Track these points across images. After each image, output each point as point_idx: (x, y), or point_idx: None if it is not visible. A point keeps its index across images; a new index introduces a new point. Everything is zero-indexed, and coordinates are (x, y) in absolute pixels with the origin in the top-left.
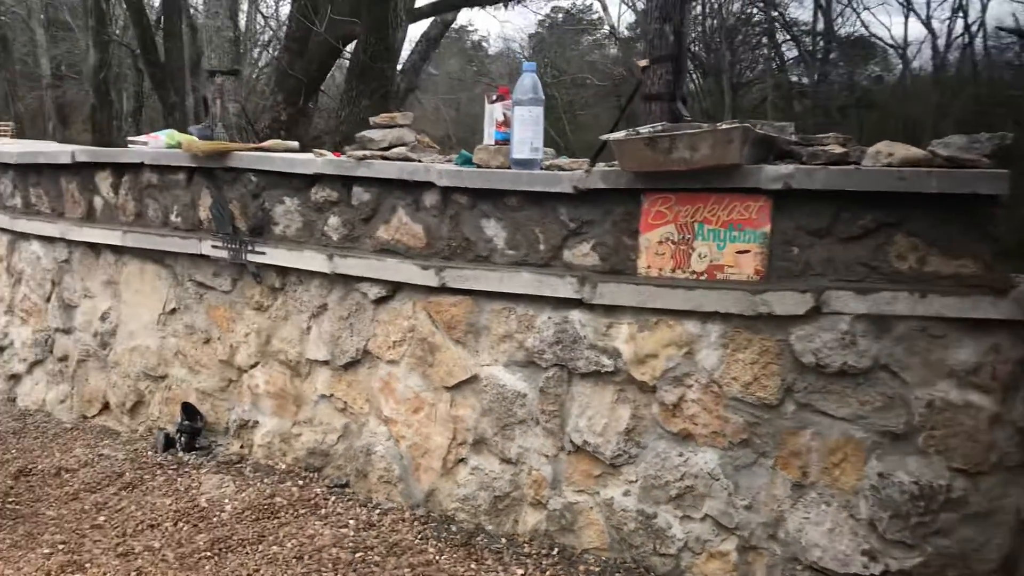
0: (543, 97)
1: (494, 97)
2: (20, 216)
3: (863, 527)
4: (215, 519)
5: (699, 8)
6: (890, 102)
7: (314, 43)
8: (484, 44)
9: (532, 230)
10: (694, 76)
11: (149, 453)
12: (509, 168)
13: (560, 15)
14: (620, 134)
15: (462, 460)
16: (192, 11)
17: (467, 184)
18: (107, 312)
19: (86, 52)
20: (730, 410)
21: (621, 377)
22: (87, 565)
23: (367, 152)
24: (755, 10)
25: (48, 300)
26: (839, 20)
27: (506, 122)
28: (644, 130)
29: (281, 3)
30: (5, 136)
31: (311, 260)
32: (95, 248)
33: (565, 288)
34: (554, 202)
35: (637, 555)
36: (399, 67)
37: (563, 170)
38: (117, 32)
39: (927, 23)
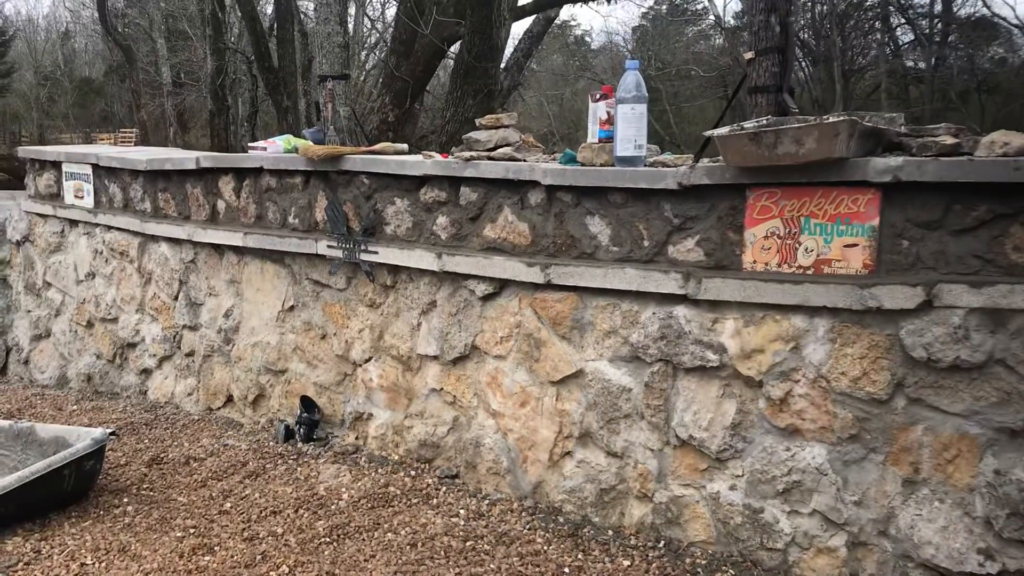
0: (647, 95)
1: (598, 96)
2: (149, 219)
3: (979, 525)
4: (333, 507)
5: None
6: (1015, 86)
7: (419, 45)
8: (587, 39)
9: (636, 226)
10: (803, 65)
11: (270, 443)
12: (613, 166)
13: (664, 6)
14: (724, 130)
15: (568, 453)
16: (303, 17)
17: (571, 182)
18: (230, 309)
19: (204, 60)
20: (838, 405)
21: (727, 372)
22: (216, 548)
23: (473, 153)
24: None
25: (176, 298)
26: (958, 0)
27: (609, 120)
28: (749, 125)
29: (387, 6)
30: (129, 143)
31: (421, 259)
32: (219, 249)
33: (669, 284)
34: (658, 198)
35: (744, 549)
36: (502, 65)
37: (667, 167)
38: (233, 40)
39: None
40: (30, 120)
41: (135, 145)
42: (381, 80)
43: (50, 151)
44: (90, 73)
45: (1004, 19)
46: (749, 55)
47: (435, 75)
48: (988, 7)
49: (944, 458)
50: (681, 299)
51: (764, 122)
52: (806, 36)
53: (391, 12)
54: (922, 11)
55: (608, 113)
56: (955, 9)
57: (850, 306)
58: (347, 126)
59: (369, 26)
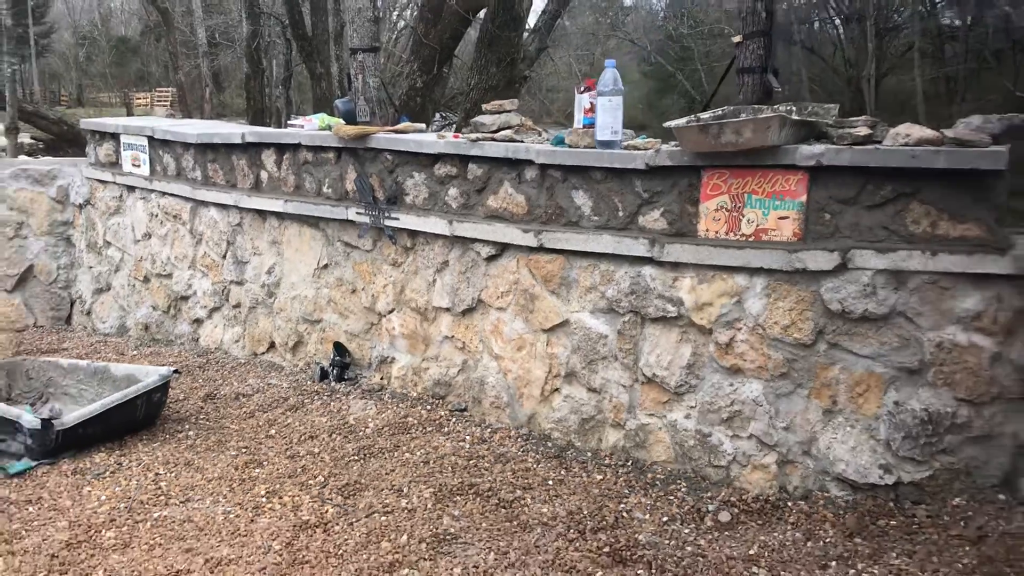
0: (622, 88)
1: (582, 88)
2: (200, 187)
3: (881, 446)
4: (360, 433)
5: None
6: None
7: (447, 13)
8: None
9: (613, 199)
10: (834, 23)
11: (307, 383)
12: (594, 148)
13: None
14: (681, 121)
15: (556, 390)
16: None
17: (560, 161)
18: (272, 267)
19: (239, 22)
20: (772, 348)
21: (684, 321)
22: (264, 462)
23: (479, 135)
24: None
25: (224, 257)
26: None
27: (592, 109)
28: (705, 115)
29: None
30: (165, 103)
31: (435, 224)
32: (262, 214)
33: (639, 248)
34: (631, 176)
35: (695, 466)
36: (531, 26)
37: (638, 150)
38: (267, 3)
39: None
40: (69, 80)
41: (172, 104)
42: (410, 47)
43: (110, 123)
44: (126, 32)
45: None
46: (737, 39)
47: (463, 39)
48: None
49: (856, 392)
50: (648, 261)
51: (720, 113)
52: None
53: None
54: None
55: (591, 103)
56: None
57: (782, 267)
58: (376, 96)
59: None
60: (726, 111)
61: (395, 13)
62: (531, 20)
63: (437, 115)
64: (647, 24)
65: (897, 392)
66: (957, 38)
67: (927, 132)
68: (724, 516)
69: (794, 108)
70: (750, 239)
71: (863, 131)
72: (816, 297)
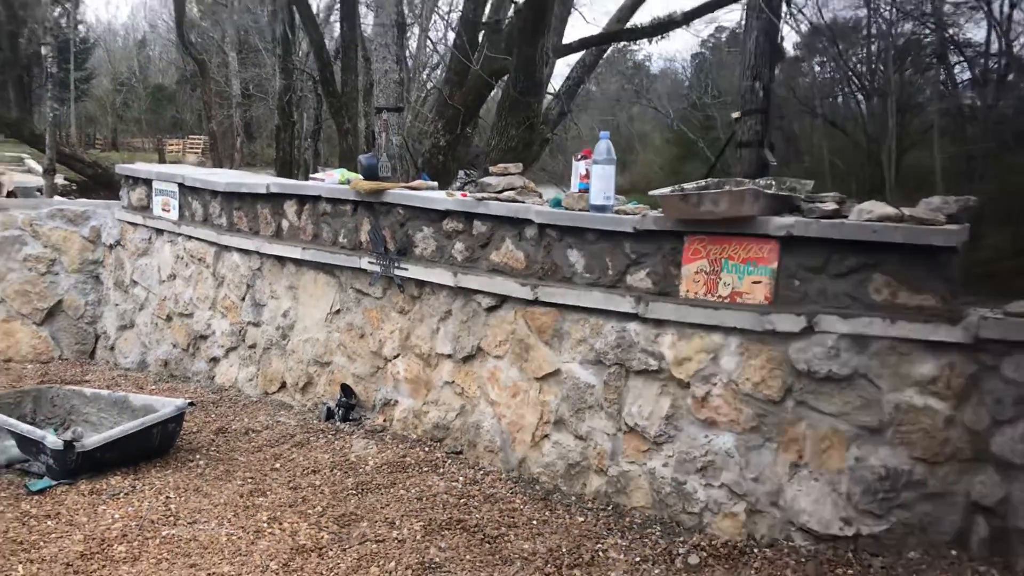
0: (615, 158)
1: (579, 156)
2: (225, 233)
3: (842, 499)
4: (360, 470)
5: (864, 31)
6: None
7: (471, 76)
8: (647, 63)
9: (604, 259)
10: (857, 100)
11: (314, 422)
12: (588, 211)
13: (723, 35)
14: (665, 190)
15: (546, 436)
16: (367, 43)
17: (557, 222)
18: (288, 310)
19: (273, 76)
20: (744, 403)
21: (664, 375)
22: (267, 492)
23: (485, 194)
24: (927, 31)
25: (243, 299)
26: (1018, 40)
27: (587, 175)
28: (689, 186)
29: (449, 30)
30: (197, 150)
31: (441, 276)
32: (281, 260)
33: (625, 304)
34: (620, 238)
35: (671, 512)
36: (555, 91)
37: (627, 214)
38: (300, 58)
39: None
40: (104, 124)
41: (203, 152)
42: (435, 107)
43: (143, 170)
44: (163, 80)
45: None
46: (736, 115)
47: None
48: None
49: (821, 447)
50: (633, 317)
51: (703, 184)
52: (863, 70)
53: (452, 36)
54: (979, 49)
55: (587, 170)
56: (1015, 49)
57: (754, 328)
58: (399, 153)
59: (431, 48)
60: (709, 183)
61: (425, 73)
62: (556, 83)
63: (461, 172)
64: (671, 92)
65: (859, 449)
66: (978, 118)
67: (888, 209)
68: (693, 559)
69: (773, 182)
70: (726, 301)
71: (831, 206)
72: (785, 357)
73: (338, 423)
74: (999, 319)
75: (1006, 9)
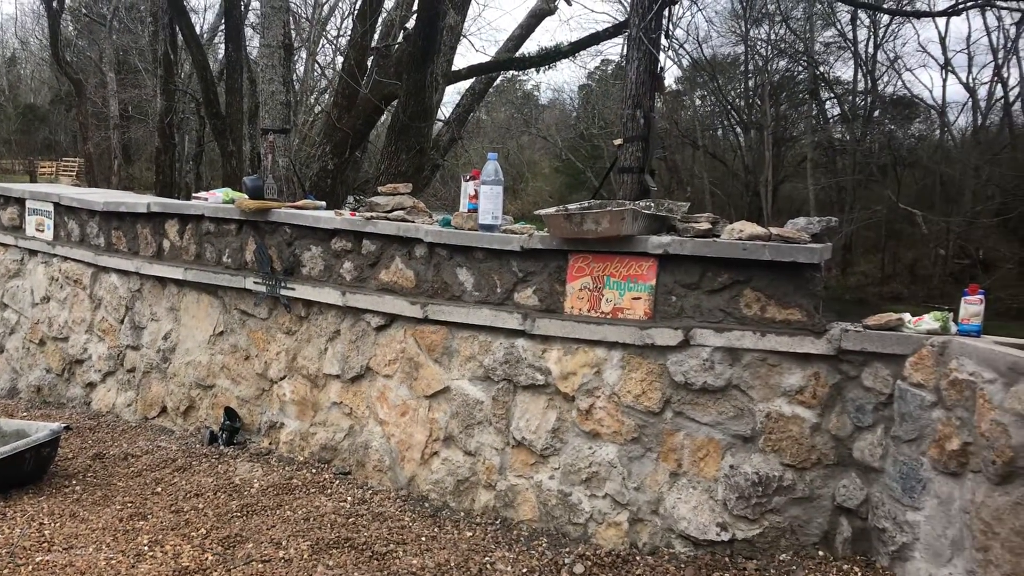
0: (503, 179)
1: (468, 177)
2: (103, 253)
3: (719, 506)
4: (245, 493)
5: (742, 67)
6: (930, 162)
7: (361, 100)
8: (535, 93)
9: (492, 277)
10: (736, 132)
11: (197, 446)
12: (477, 230)
13: (609, 68)
14: (551, 210)
15: (435, 453)
16: (253, 65)
17: (447, 241)
18: (169, 333)
19: (153, 96)
20: (626, 415)
21: (551, 389)
22: (148, 516)
23: (374, 214)
24: (800, 67)
25: (122, 322)
26: (883, 79)
27: (476, 196)
28: (572, 207)
29: (338, 54)
30: (71, 174)
31: (329, 295)
32: (162, 281)
33: (513, 321)
34: (508, 257)
35: (557, 524)
36: (445, 118)
37: (514, 234)
38: (183, 80)
39: (967, 85)
40: None
41: (77, 175)
42: (323, 131)
43: (16, 189)
44: (35, 100)
45: (921, 99)
46: (618, 142)
47: (381, 121)
48: (907, 88)
49: (698, 456)
50: (521, 333)
51: (586, 205)
52: (741, 104)
53: (340, 60)
54: (848, 87)
55: (475, 190)
56: (880, 87)
57: (634, 342)
58: (286, 175)
59: (319, 72)
60: (592, 204)
61: (312, 97)
62: (447, 110)
63: (350, 198)
64: (560, 122)
65: (733, 457)
66: (847, 151)
67: (757, 229)
68: (579, 569)
69: (652, 204)
70: (608, 316)
71: (704, 225)
72: (663, 370)
73: (222, 447)
74: (859, 331)
75: (871, 49)
